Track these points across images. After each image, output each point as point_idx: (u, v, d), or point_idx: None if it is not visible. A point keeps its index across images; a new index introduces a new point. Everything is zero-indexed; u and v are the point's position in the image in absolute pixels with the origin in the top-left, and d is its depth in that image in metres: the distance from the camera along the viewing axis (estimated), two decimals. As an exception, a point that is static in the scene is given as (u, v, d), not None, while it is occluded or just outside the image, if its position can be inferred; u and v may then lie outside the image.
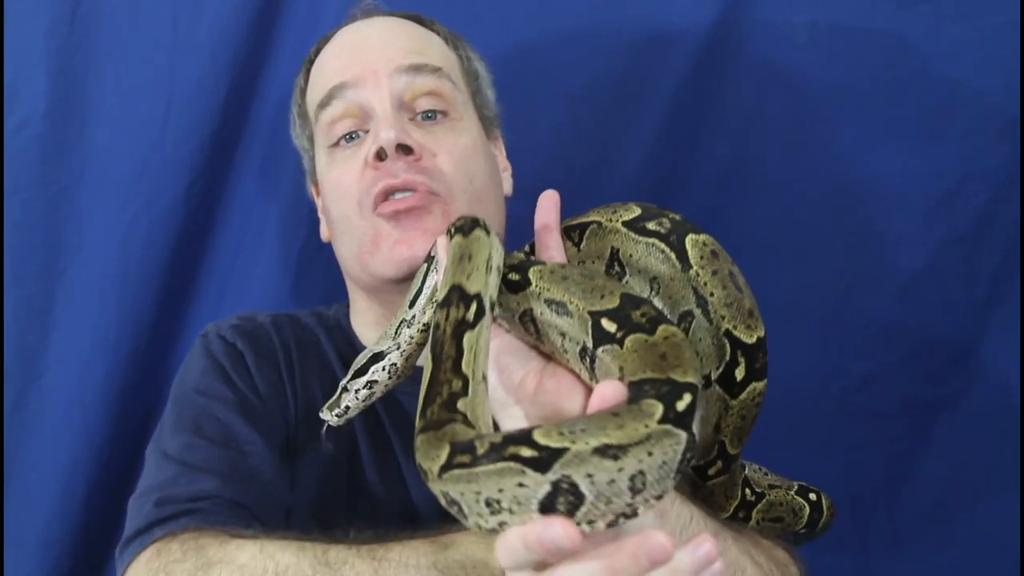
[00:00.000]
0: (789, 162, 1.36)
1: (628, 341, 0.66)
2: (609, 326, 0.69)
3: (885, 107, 1.33)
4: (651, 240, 0.83)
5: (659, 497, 0.57)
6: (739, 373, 0.81)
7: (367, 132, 1.01)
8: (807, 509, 1.01)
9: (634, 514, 0.57)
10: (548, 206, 0.82)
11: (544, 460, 0.54)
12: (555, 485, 0.54)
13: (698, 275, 0.81)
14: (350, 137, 1.03)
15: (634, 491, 0.55)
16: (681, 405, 0.58)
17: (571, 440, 0.55)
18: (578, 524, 0.54)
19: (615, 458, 0.55)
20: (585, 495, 0.55)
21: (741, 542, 0.83)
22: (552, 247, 0.82)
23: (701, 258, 0.81)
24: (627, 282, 0.83)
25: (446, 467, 0.58)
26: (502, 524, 0.56)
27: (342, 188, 1.02)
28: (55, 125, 1.31)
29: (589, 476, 0.54)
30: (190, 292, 1.38)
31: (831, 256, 1.36)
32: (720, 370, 0.82)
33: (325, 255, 1.38)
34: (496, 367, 0.76)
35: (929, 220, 1.33)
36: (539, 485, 0.54)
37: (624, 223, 0.84)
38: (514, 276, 0.77)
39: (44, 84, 1.30)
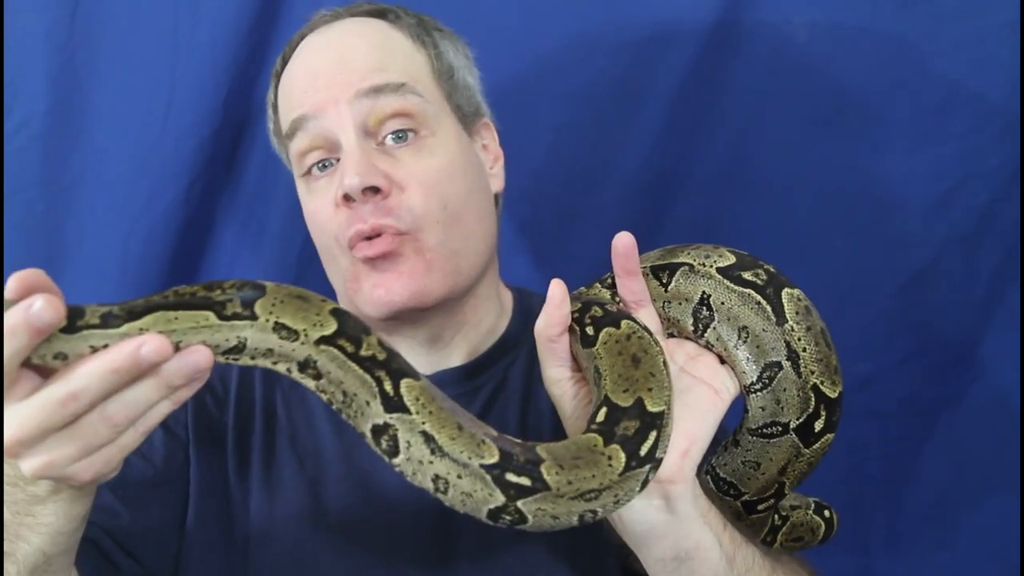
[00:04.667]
0: (789, 162, 1.36)
1: (585, 435, 0.72)
2: (600, 416, 0.73)
3: (885, 107, 1.33)
4: (747, 291, 0.84)
5: None
6: (818, 425, 0.85)
7: (339, 160, 0.98)
8: (823, 527, 1.03)
9: None
10: (626, 252, 0.81)
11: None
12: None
13: (793, 330, 0.83)
14: (323, 166, 0.99)
15: None
16: None
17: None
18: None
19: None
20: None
21: None
22: (637, 292, 0.83)
23: (796, 313, 0.84)
24: (714, 327, 0.85)
25: (490, 468, 0.68)
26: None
27: (319, 222, 1.00)
28: (55, 125, 1.31)
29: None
30: (190, 292, 1.38)
31: (831, 256, 1.36)
32: (800, 421, 0.84)
33: (325, 255, 1.39)
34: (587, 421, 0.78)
35: (929, 220, 1.33)
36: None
37: (719, 270, 0.86)
38: (590, 330, 0.79)
39: (44, 84, 1.30)
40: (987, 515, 1.38)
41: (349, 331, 0.69)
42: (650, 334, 0.79)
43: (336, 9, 1.06)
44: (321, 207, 0.99)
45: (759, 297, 0.84)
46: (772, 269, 0.86)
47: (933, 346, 1.36)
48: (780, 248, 1.35)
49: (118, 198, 1.33)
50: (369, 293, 0.96)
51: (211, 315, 0.66)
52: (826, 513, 1.04)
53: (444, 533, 0.95)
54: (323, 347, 0.69)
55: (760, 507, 0.91)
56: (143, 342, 0.60)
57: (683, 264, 0.87)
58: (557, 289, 0.79)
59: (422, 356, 1.04)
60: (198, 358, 0.62)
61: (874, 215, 1.35)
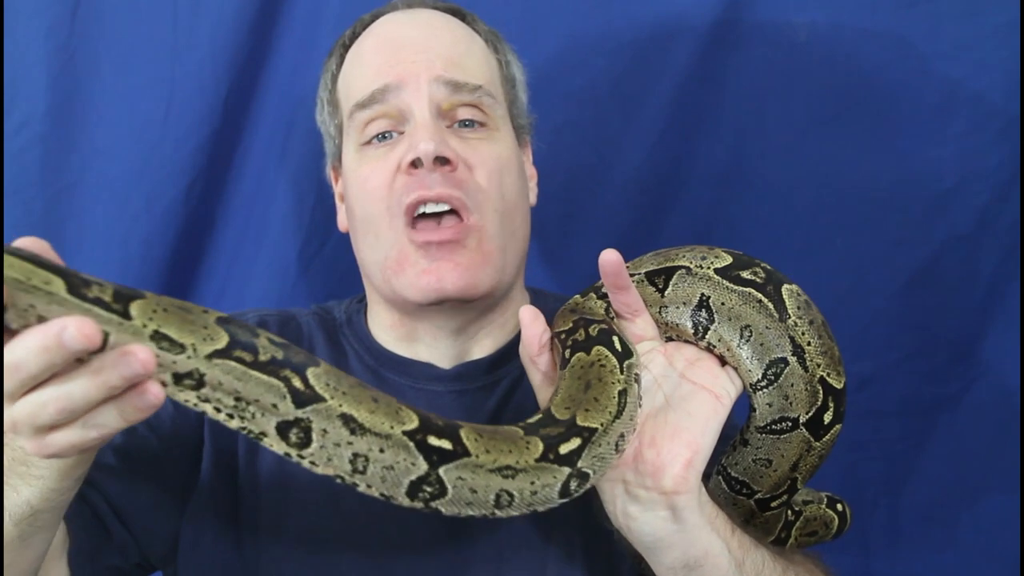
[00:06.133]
0: (789, 162, 1.36)
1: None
2: (531, 420, 0.76)
3: (885, 107, 1.33)
4: (748, 290, 0.85)
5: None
6: (827, 417, 0.85)
7: (401, 134, 1.00)
8: (836, 521, 1.04)
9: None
10: (614, 270, 0.81)
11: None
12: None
13: (796, 324, 0.84)
14: (382, 136, 1.01)
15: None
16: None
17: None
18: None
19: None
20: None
21: None
22: (631, 303, 0.84)
23: (798, 308, 0.84)
24: (715, 329, 0.85)
25: (412, 434, 0.69)
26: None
27: (370, 188, 1.00)
28: (55, 125, 1.31)
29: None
30: (190, 292, 1.38)
31: (831, 256, 1.36)
32: (810, 414, 0.85)
33: (326, 255, 1.38)
34: None
35: (929, 220, 1.33)
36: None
37: (717, 271, 0.86)
38: (568, 353, 0.81)
39: (44, 84, 1.30)
40: (987, 515, 1.38)
41: (242, 340, 0.67)
42: (620, 362, 0.79)
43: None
44: (374, 173, 1.00)
45: (760, 295, 0.84)
46: (768, 267, 0.87)
47: (933, 346, 1.36)
48: (780, 248, 1.35)
49: (118, 198, 1.33)
50: (415, 279, 0.96)
51: (58, 282, 0.61)
52: (839, 507, 1.05)
53: (459, 530, 0.96)
54: (217, 361, 0.66)
55: (773, 504, 0.92)
56: (65, 325, 0.58)
57: (680, 267, 0.87)
58: (526, 312, 0.83)
59: (447, 347, 1.04)
60: (133, 360, 0.60)
61: (874, 215, 1.35)
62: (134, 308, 0.64)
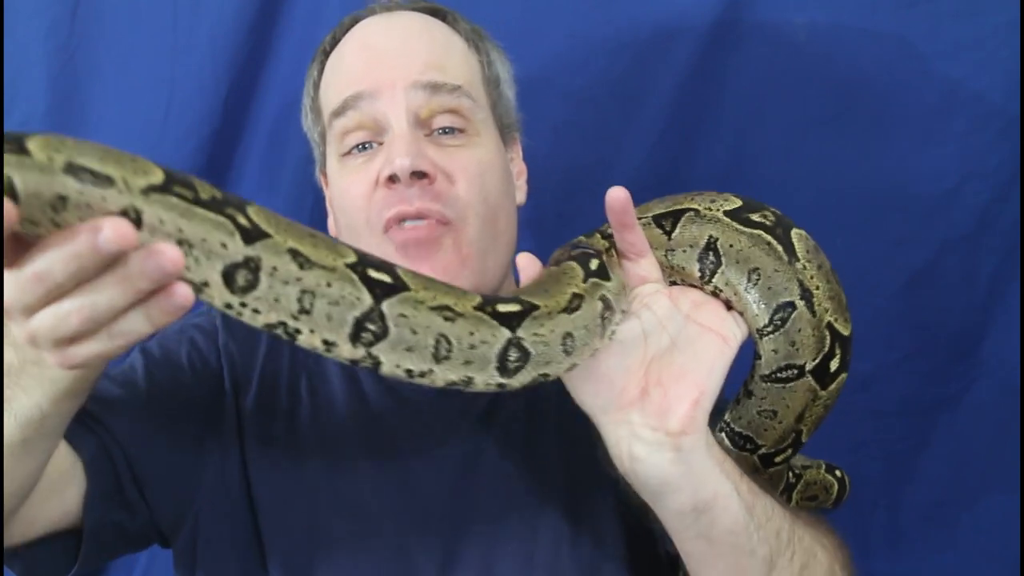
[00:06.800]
0: (789, 162, 1.36)
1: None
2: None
3: (885, 107, 1.33)
4: (757, 232, 0.84)
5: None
6: (834, 364, 0.84)
7: (381, 144, 0.99)
8: (836, 486, 1.04)
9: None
10: (621, 207, 0.80)
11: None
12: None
13: (805, 268, 0.83)
14: (362, 147, 1.00)
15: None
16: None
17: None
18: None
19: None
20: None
21: (810, 530, 0.88)
22: (635, 243, 0.82)
23: (807, 252, 0.84)
24: (722, 272, 0.84)
25: (353, 266, 0.67)
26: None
27: (350, 200, 1.00)
28: (55, 125, 1.31)
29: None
30: (190, 292, 1.39)
31: (831, 256, 1.35)
32: (816, 361, 0.84)
33: (325, 255, 1.38)
34: (595, 375, 0.79)
35: (929, 220, 1.33)
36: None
37: (726, 213, 0.85)
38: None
39: (44, 84, 1.30)
40: (987, 515, 1.38)
41: (179, 178, 0.60)
42: (586, 276, 0.77)
43: (395, 1, 1.08)
44: (354, 185, 0.99)
45: (769, 237, 0.83)
46: (778, 211, 0.86)
47: (933, 346, 1.36)
48: (780, 248, 1.36)
49: (118, 198, 1.33)
50: None
51: None
52: (837, 473, 1.05)
53: (452, 517, 0.96)
54: (155, 196, 0.58)
55: (777, 459, 0.91)
56: (99, 226, 0.54)
57: (688, 210, 0.87)
58: (522, 258, 0.82)
59: None
60: (163, 260, 0.56)
61: (874, 215, 1.35)
62: (31, 143, 0.55)
